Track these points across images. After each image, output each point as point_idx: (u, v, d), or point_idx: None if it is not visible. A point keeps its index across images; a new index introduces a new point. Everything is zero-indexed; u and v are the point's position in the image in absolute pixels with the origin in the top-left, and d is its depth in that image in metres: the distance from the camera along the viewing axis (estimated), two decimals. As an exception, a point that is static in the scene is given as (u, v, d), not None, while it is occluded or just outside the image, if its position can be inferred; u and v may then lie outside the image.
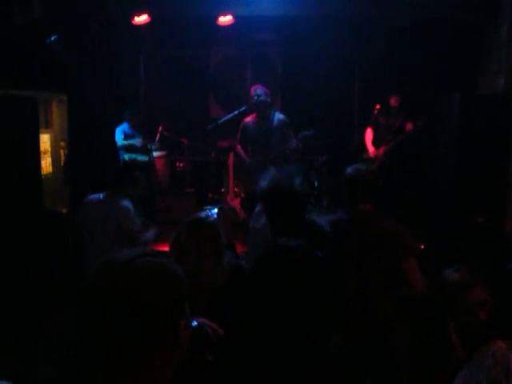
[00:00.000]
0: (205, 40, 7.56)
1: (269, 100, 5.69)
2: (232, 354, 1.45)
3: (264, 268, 1.55)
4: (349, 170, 3.08)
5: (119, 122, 7.09)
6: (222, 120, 6.58)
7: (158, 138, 7.25)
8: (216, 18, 6.23)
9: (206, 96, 8.23)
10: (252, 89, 5.76)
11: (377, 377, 2.75)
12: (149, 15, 6.12)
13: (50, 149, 8.42)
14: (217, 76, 8.21)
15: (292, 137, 5.68)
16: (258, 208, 3.31)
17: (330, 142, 6.86)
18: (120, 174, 4.33)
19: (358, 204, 3.01)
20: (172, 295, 1.08)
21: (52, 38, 6.47)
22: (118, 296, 1.03)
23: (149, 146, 6.87)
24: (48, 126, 8.43)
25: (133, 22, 6.15)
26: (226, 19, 6.24)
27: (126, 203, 4.11)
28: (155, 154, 7.04)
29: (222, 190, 7.31)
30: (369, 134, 6.39)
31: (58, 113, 8.61)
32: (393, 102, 6.24)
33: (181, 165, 7.58)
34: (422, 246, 5.50)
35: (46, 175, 7.82)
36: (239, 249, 5.53)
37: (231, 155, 6.72)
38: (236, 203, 6.75)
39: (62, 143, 8.67)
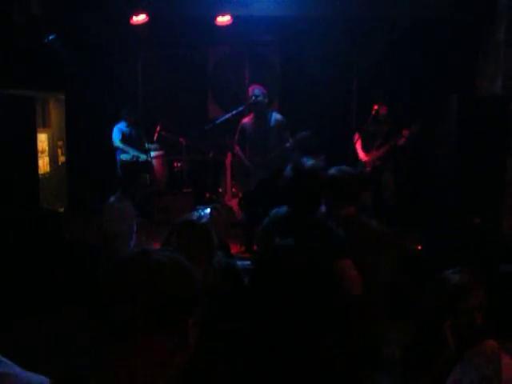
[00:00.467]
0: (203, 40, 7.55)
1: (266, 100, 5.69)
2: (239, 353, 1.46)
3: (264, 269, 1.55)
4: (333, 171, 2.99)
5: (116, 121, 7.10)
6: (220, 120, 6.59)
7: (155, 137, 7.25)
8: (214, 18, 6.23)
9: (204, 96, 8.23)
10: (250, 89, 5.76)
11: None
12: (147, 15, 6.12)
13: (47, 148, 8.41)
14: (215, 76, 8.21)
15: (288, 137, 5.68)
16: None
17: (328, 143, 6.86)
18: (127, 177, 4.55)
19: (344, 206, 2.95)
20: (184, 290, 1.08)
21: (50, 37, 6.47)
22: (129, 286, 1.03)
23: (147, 146, 6.87)
24: (45, 125, 8.43)
25: (131, 21, 6.14)
26: (224, 19, 6.24)
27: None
28: (153, 153, 7.04)
29: (220, 190, 7.31)
30: (358, 141, 6.49)
31: (55, 112, 8.60)
32: (381, 110, 6.32)
33: (179, 165, 7.58)
34: (419, 247, 5.53)
35: (43, 174, 7.81)
36: (235, 249, 5.57)
37: (229, 155, 6.72)
38: (233, 203, 6.76)
39: (60, 142, 8.67)
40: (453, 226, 5.10)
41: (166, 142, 7.45)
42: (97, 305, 1.05)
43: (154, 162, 7.11)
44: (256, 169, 5.71)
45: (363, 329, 2.79)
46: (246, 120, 5.84)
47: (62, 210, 7.78)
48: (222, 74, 8.17)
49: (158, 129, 7.26)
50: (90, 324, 1.05)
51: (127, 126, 7.11)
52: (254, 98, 5.60)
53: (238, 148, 5.87)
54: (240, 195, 6.60)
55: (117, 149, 7.09)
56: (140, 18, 6.13)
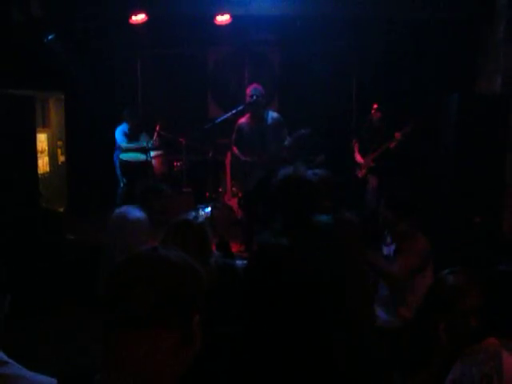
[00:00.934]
0: (202, 39, 7.55)
1: (264, 100, 5.67)
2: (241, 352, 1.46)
3: (255, 268, 1.55)
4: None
5: (118, 122, 7.08)
6: (220, 119, 6.58)
7: (155, 137, 7.25)
8: (214, 18, 6.23)
9: (204, 95, 8.23)
10: (248, 88, 5.75)
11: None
12: (146, 14, 6.11)
13: (47, 148, 8.41)
14: (215, 75, 8.21)
15: (286, 135, 5.66)
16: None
17: (327, 142, 6.86)
18: (147, 189, 4.38)
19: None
20: (192, 288, 1.10)
21: (50, 37, 6.47)
22: (140, 280, 1.05)
23: (146, 145, 6.87)
24: (45, 125, 8.42)
25: (130, 21, 6.14)
26: (223, 18, 6.24)
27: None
28: (153, 153, 7.03)
29: (220, 190, 7.31)
30: (356, 144, 6.66)
31: (55, 112, 8.59)
32: (376, 115, 6.47)
33: (178, 164, 7.57)
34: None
35: (42, 174, 7.81)
36: (235, 248, 5.57)
37: (229, 154, 6.72)
38: (233, 203, 6.76)
39: (59, 142, 8.66)
40: (453, 225, 5.10)
41: (165, 142, 7.44)
42: (108, 297, 1.06)
43: (154, 161, 7.11)
44: (255, 168, 5.70)
45: (363, 329, 2.80)
46: (242, 120, 5.81)
47: (61, 209, 7.78)
48: (222, 74, 8.17)
49: (157, 128, 7.25)
50: (100, 315, 1.07)
51: (129, 129, 7.08)
52: (251, 97, 5.59)
53: (235, 148, 5.86)
54: (240, 195, 6.60)
55: (116, 149, 7.08)
56: (139, 18, 6.13)
